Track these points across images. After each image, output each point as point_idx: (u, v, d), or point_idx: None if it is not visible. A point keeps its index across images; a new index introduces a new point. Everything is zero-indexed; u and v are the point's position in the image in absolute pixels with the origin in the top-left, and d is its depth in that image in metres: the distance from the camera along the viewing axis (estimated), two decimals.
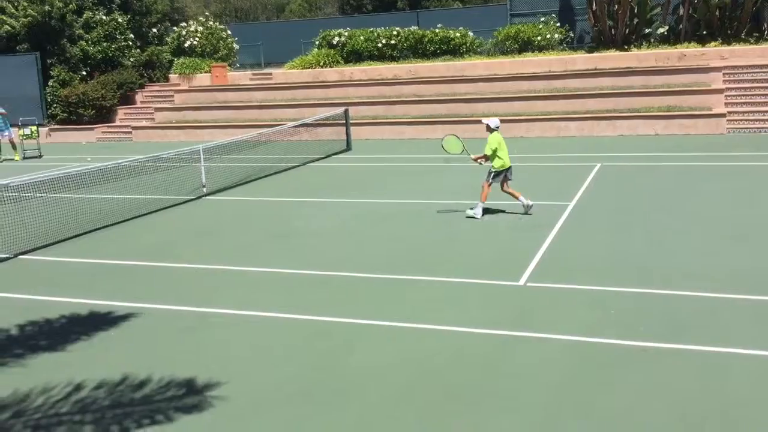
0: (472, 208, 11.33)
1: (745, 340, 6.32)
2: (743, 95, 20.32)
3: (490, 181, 11.29)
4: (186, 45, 30.37)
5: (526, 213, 11.20)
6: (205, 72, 28.94)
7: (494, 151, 11.07)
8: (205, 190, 14.54)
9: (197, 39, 30.43)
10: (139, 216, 12.78)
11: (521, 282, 8.19)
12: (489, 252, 9.52)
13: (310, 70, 27.37)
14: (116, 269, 9.65)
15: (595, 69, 22.79)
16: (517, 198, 11.24)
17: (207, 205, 13.85)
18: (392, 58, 27.31)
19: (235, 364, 6.41)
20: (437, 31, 26.88)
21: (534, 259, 8.96)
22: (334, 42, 28.13)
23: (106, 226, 12.05)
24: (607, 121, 20.25)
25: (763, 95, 20.15)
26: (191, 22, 31.77)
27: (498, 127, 11.16)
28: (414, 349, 6.57)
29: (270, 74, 28.62)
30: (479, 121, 11.90)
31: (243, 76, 29.23)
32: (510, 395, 5.60)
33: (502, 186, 11.37)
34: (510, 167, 11.33)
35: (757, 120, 19.32)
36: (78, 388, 5.94)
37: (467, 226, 10.97)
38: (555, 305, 7.49)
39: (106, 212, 12.76)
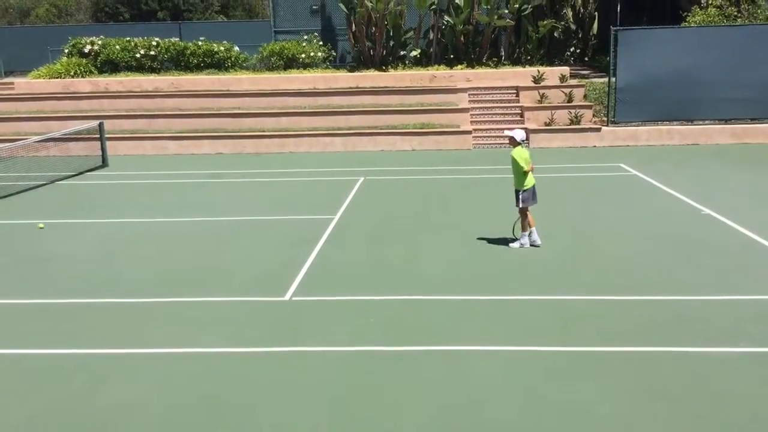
0: (514, 240, 10.02)
1: (489, 338, 6.98)
2: (485, 114, 22.50)
3: (525, 204, 9.70)
4: None
5: (533, 245, 9.93)
6: None
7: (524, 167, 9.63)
8: None
9: None
10: None
11: (287, 297, 8.24)
12: (254, 269, 9.44)
13: (58, 80, 25.13)
14: None
15: (357, 87, 23.75)
16: (532, 227, 9.94)
17: None
18: (152, 70, 26.07)
19: None
20: (200, 43, 26.23)
21: (299, 274, 9.06)
22: (86, 50, 26.16)
23: None
24: (369, 137, 21.20)
25: (501, 114, 22.49)
26: None
27: (524, 141, 9.56)
28: (174, 377, 6.28)
29: (11, 84, 25.78)
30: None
31: None
32: (279, 412, 5.58)
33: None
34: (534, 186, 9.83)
35: (497, 136, 21.44)
36: None
37: (233, 243, 10.77)
38: (320, 317, 7.63)
39: None
